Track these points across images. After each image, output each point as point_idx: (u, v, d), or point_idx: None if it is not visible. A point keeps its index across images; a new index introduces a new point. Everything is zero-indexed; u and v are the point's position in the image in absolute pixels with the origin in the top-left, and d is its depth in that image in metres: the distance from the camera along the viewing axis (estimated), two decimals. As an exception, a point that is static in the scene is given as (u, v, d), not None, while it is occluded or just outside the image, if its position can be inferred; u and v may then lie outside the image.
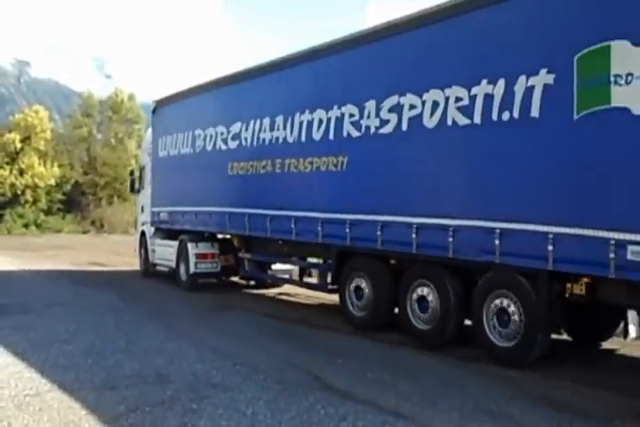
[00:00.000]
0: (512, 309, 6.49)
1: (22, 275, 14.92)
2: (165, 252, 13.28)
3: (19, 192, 38.77)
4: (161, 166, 13.46)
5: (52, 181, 39.59)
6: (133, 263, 15.57)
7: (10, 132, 40.20)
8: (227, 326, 8.85)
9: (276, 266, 11.42)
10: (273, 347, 7.50)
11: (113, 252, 22.07)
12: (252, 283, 12.71)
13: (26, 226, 37.75)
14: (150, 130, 14.85)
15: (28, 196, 39.05)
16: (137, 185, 15.35)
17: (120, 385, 5.67)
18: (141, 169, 15.14)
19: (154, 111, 14.22)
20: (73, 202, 41.59)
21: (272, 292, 12.17)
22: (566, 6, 5.92)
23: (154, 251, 13.98)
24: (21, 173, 39.07)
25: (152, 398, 5.32)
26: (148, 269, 14.39)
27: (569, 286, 6.14)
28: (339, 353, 7.18)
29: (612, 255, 5.43)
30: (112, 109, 43.93)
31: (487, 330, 6.77)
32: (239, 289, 12.63)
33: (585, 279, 6.01)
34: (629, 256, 5.32)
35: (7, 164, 39.07)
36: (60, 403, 5.13)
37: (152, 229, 14.12)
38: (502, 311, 6.60)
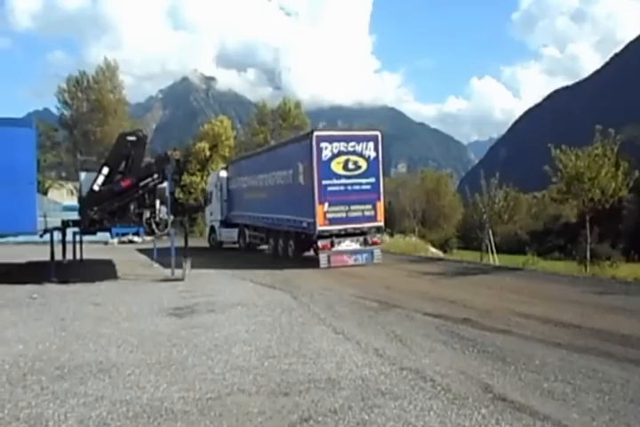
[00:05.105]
0: (292, 244, 18.17)
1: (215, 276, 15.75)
2: (230, 234, 24.15)
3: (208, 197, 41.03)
4: (232, 192, 24.87)
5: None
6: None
7: (200, 141, 42.98)
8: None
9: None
10: (438, 350, 6.96)
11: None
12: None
13: (214, 228, 39.80)
14: (212, 173, 29.82)
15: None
16: (207, 202, 27.47)
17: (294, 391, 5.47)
18: (209, 193, 26.78)
19: (226, 167, 26.65)
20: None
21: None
22: (292, 153, 17.76)
23: (221, 234, 24.99)
24: (210, 178, 41.38)
25: (324, 406, 5.04)
26: (218, 245, 25.10)
27: (302, 235, 17.32)
28: (510, 359, 6.43)
29: (300, 224, 17.00)
30: (281, 117, 45.38)
31: (289, 250, 18.38)
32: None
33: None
34: (304, 225, 16.71)
35: (198, 170, 41.62)
36: (238, 408, 4.98)
37: (218, 224, 25.16)
38: (289, 245, 18.37)
